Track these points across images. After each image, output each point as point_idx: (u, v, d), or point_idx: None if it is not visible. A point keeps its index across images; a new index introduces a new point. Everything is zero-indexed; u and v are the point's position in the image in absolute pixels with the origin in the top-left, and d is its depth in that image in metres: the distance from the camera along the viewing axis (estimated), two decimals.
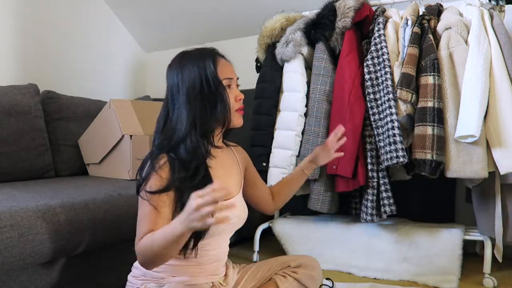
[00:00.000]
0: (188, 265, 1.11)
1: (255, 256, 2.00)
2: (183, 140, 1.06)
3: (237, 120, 1.14)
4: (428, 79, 1.63)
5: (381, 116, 1.71)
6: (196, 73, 1.08)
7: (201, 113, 1.07)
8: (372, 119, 1.74)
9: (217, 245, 1.16)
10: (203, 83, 1.07)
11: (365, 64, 1.76)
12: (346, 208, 1.98)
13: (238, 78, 1.16)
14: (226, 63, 1.14)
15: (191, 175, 1.05)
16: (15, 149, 1.96)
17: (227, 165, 1.22)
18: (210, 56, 1.11)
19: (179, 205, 1.04)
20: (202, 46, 1.16)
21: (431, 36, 1.68)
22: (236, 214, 1.18)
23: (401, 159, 1.61)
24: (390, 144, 1.64)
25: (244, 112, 1.17)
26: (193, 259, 1.11)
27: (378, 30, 1.76)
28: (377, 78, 1.74)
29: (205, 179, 1.06)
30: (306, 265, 1.28)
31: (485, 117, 1.57)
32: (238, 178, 1.26)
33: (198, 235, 1.04)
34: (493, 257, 1.67)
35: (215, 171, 1.11)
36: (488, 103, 1.57)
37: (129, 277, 1.14)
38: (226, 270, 1.23)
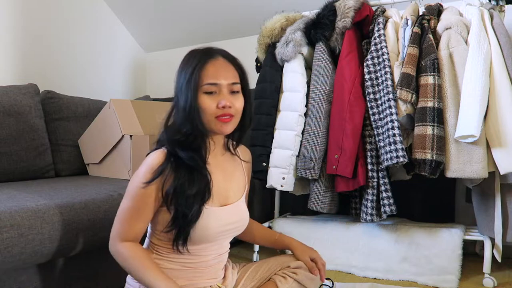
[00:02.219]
0: (186, 269, 1.11)
1: (255, 256, 2.00)
2: (178, 142, 1.07)
3: (218, 128, 1.08)
4: (428, 79, 1.63)
5: (381, 116, 1.71)
6: (182, 76, 1.08)
7: (179, 116, 1.07)
8: (372, 119, 1.74)
9: (216, 250, 1.15)
10: (182, 87, 1.07)
11: (365, 64, 1.76)
12: (346, 208, 1.98)
13: (235, 83, 1.10)
14: (218, 67, 1.08)
15: (188, 178, 1.04)
16: (15, 149, 1.96)
17: (228, 169, 1.20)
18: (203, 58, 1.08)
19: (171, 208, 1.05)
20: (207, 45, 1.14)
21: (431, 36, 1.68)
22: (237, 220, 1.18)
23: (401, 159, 1.61)
24: (390, 144, 1.64)
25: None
26: (191, 263, 1.11)
27: (378, 30, 1.76)
28: (377, 78, 1.74)
29: (202, 184, 1.06)
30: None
31: (485, 117, 1.57)
32: (241, 183, 1.24)
33: (184, 236, 1.05)
34: (493, 257, 1.67)
35: (214, 176, 1.11)
36: (488, 103, 1.57)
37: (128, 278, 1.14)
38: (225, 272, 1.22)
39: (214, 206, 1.11)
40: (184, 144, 1.07)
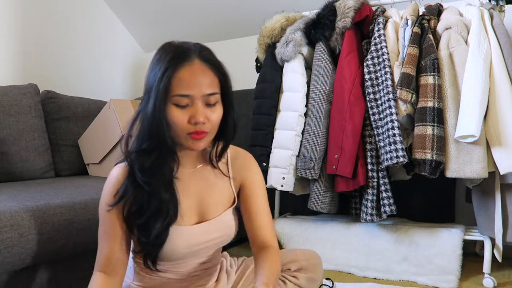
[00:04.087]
0: (169, 281, 1.06)
1: None
2: (138, 158, 0.94)
3: (188, 146, 0.94)
4: (428, 79, 1.63)
5: (381, 116, 1.71)
6: (151, 76, 0.92)
7: (144, 125, 0.92)
8: (372, 119, 1.74)
9: (197, 262, 1.07)
10: (151, 91, 0.91)
11: (365, 64, 1.76)
12: (346, 208, 1.98)
13: (213, 94, 0.92)
14: (193, 73, 0.90)
15: (148, 200, 0.94)
16: (15, 149, 1.96)
17: (205, 182, 1.05)
18: (175, 60, 0.90)
19: (134, 232, 0.95)
20: (196, 41, 0.98)
21: (431, 36, 1.68)
22: (219, 235, 1.07)
23: (401, 159, 1.61)
24: (390, 144, 1.64)
25: (205, 135, 0.95)
26: (172, 278, 1.05)
27: (378, 30, 1.76)
28: (377, 78, 1.74)
29: (165, 205, 0.94)
30: (306, 267, 1.21)
31: (485, 117, 1.57)
32: (226, 194, 1.09)
33: (152, 258, 0.97)
34: (493, 257, 1.67)
35: (185, 192, 1.00)
36: (488, 103, 1.57)
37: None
38: (219, 274, 1.16)
39: (185, 225, 1.00)
40: (145, 162, 0.93)
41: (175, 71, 0.89)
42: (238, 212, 1.13)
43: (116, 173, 0.97)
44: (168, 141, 0.91)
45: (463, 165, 1.58)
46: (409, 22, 1.74)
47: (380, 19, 1.79)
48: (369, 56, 1.76)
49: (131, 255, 1.06)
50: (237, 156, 1.11)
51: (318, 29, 1.88)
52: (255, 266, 1.04)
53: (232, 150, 1.11)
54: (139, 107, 0.95)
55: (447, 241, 1.70)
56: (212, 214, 1.05)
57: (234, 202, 1.10)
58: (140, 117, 0.93)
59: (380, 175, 1.74)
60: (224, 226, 1.07)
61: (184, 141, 0.93)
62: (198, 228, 1.03)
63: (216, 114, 0.94)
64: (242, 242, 2.20)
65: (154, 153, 0.93)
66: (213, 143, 1.03)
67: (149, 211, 0.93)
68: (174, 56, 0.91)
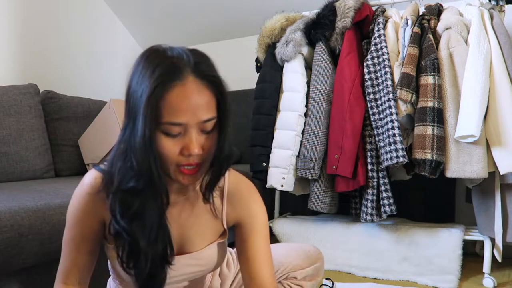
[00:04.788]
0: None
1: None
2: (122, 199, 0.80)
3: (177, 179, 0.79)
4: (428, 79, 1.63)
5: (381, 116, 1.71)
6: (136, 99, 0.74)
7: (129, 151, 0.77)
8: (372, 119, 1.74)
9: None
10: (135, 120, 0.74)
11: (365, 64, 1.76)
12: (346, 208, 1.98)
13: (209, 120, 0.76)
14: (186, 95, 0.73)
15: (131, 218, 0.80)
16: (15, 149, 1.96)
17: (191, 212, 0.91)
18: (165, 78, 0.72)
19: (116, 249, 0.83)
20: (195, 46, 0.82)
21: (431, 36, 1.68)
22: (199, 269, 0.95)
23: (401, 159, 1.61)
24: (390, 144, 1.64)
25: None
26: None
27: (378, 30, 1.76)
28: (377, 78, 1.74)
29: (160, 238, 0.82)
30: (312, 274, 1.19)
31: (485, 117, 1.57)
32: (213, 227, 0.95)
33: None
34: (493, 257, 1.67)
35: (168, 219, 0.85)
36: (488, 103, 1.57)
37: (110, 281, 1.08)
38: (211, 281, 1.08)
39: None
40: (130, 206, 0.79)
41: (164, 92, 0.72)
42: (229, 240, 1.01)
43: (89, 188, 0.85)
44: (158, 179, 0.76)
45: (463, 165, 1.58)
46: (409, 22, 1.74)
47: (380, 19, 1.79)
48: (369, 56, 1.76)
49: (111, 277, 0.99)
50: (237, 188, 0.94)
51: (318, 29, 1.88)
52: None
53: (232, 178, 0.94)
54: (121, 133, 0.79)
55: (447, 241, 1.70)
56: (194, 247, 0.92)
57: (223, 235, 0.96)
58: (124, 147, 0.78)
59: (380, 175, 1.74)
60: (206, 260, 0.95)
61: (173, 174, 0.78)
62: (176, 261, 0.88)
63: (211, 142, 0.79)
64: None
65: (142, 195, 0.78)
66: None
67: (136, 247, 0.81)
68: (164, 72, 0.73)
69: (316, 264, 1.21)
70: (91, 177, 0.87)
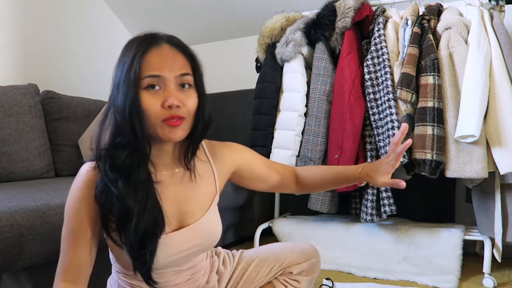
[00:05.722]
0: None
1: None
2: (110, 153, 0.87)
3: (165, 134, 0.85)
4: (428, 79, 1.63)
5: (381, 116, 1.71)
6: (119, 69, 0.87)
7: (114, 120, 0.85)
8: (372, 119, 1.74)
9: (179, 272, 1.01)
10: (119, 83, 0.85)
11: (365, 64, 1.76)
12: (346, 208, 1.98)
13: (185, 74, 0.86)
14: (162, 56, 0.85)
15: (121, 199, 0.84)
16: (15, 149, 1.96)
17: (185, 186, 0.97)
18: (143, 45, 0.85)
19: (112, 235, 0.87)
20: (152, 31, 0.91)
21: (431, 36, 1.68)
22: (200, 242, 0.98)
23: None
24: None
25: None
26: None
27: (378, 30, 1.76)
28: (377, 78, 1.74)
29: (149, 207, 0.86)
30: (308, 269, 1.21)
31: (485, 117, 1.57)
32: (207, 195, 1.01)
33: (146, 271, 0.88)
34: (493, 257, 1.67)
35: (163, 196, 0.90)
36: (488, 103, 1.57)
37: (110, 280, 1.08)
38: (208, 276, 1.10)
39: (163, 233, 0.91)
40: (116, 159, 0.85)
41: (144, 54, 0.83)
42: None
43: (84, 174, 0.90)
44: (142, 132, 0.83)
45: (463, 165, 1.58)
46: (409, 22, 1.74)
47: (380, 19, 1.79)
48: (369, 56, 1.76)
49: (114, 268, 1.01)
50: (214, 146, 1.06)
51: (318, 29, 1.88)
52: (321, 180, 1.12)
53: (206, 143, 1.05)
54: (108, 102, 0.87)
55: (447, 241, 1.70)
56: (192, 219, 0.97)
57: (214, 198, 1.02)
58: (111, 111, 0.86)
59: None
60: (205, 230, 0.99)
61: (160, 131, 0.85)
62: (178, 235, 0.94)
63: (191, 99, 0.87)
64: (242, 242, 2.20)
65: (127, 149, 0.85)
66: (186, 142, 0.93)
67: (128, 220, 0.84)
68: (142, 41, 0.86)
69: (312, 259, 1.22)
70: (83, 168, 0.92)
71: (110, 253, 0.99)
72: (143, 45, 0.85)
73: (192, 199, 0.97)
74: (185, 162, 0.95)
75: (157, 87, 0.84)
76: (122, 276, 0.99)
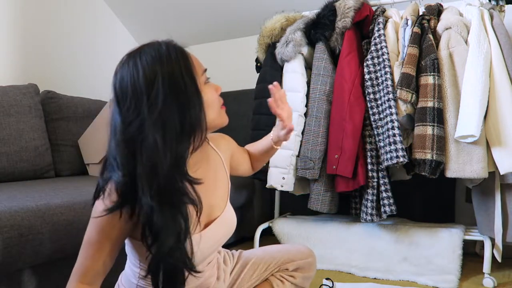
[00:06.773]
0: None
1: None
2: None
3: (221, 120, 0.95)
4: (428, 79, 1.63)
5: (381, 116, 1.71)
6: (164, 80, 0.85)
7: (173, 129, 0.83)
8: (372, 119, 1.74)
9: (208, 266, 1.05)
10: (180, 89, 0.84)
11: (365, 64, 1.76)
12: (346, 208, 1.98)
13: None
14: (190, 55, 0.92)
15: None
16: (15, 149, 1.96)
17: (207, 181, 0.95)
18: (177, 47, 0.90)
19: (147, 240, 0.84)
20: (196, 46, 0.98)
21: (431, 36, 1.68)
22: (225, 234, 1.03)
23: (401, 159, 1.61)
24: (390, 144, 1.64)
25: (228, 109, 0.99)
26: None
27: (378, 30, 1.76)
28: (377, 78, 1.74)
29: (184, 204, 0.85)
30: (303, 267, 1.24)
31: (485, 117, 1.57)
32: (225, 182, 1.07)
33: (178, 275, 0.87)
34: (493, 257, 1.67)
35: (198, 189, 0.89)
36: (488, 103, 1.57)
37: (121, 279, 1.10)
38: (218, 271, 1.13)
39: (196, 232, 0.93)
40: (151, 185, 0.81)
41: (185, 52, 0.90)
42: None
43: (109, 205, 0.87)
44: (204, 131, 0.87)
45: (463, 165, 1.58)
46: (409, 22, 1.74)
47: (380, 19, 1.79)
48: (369, 56, 1.76)
49: (136, 273, 1.00)
50: (214, 137, 1.11)
51: (318, 29, 1.88)
52: (261, 156, 1.23)
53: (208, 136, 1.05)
54: (122, 129, 0.84)
55: (447, 241, 1.70)
56: (217, 213, 1.02)
57: (229, 187, 1.07)
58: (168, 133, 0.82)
59: (380, 175, 1.74)
60: (229, 219, 1.06)
61: (219, 118, 0.94)
62: (209, 232, 0.98)
63: None
64: (242, 242, 2.20)
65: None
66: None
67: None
68: (170, 45, 0.91)
69: (308, 259, 1.25)
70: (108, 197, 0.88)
71: (131, 254, 0.98)
72: (175, 47, 0.89)
73: (216, 191, 1.02)
74: (211, 152, 1.02)
75: (208, 79, 0.92)
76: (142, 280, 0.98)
